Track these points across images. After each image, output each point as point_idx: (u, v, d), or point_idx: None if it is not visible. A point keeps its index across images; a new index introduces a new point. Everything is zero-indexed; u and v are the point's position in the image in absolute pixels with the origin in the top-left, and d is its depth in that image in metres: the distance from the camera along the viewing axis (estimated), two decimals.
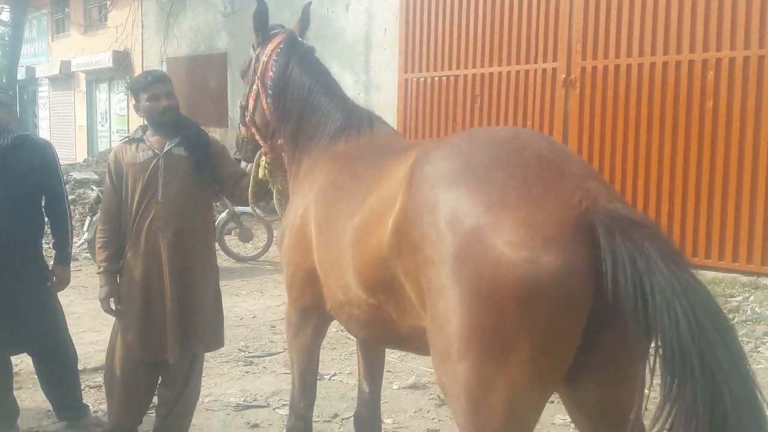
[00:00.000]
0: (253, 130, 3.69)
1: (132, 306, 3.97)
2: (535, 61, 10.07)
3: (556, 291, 1.88)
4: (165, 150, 3.96)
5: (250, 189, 3.86)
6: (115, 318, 4.10)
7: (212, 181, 4.08)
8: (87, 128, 22.75)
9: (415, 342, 2.46)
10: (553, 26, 9.83)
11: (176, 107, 4.02)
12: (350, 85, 12.99)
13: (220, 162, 4.07)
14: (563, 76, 9.70)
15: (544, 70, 9.95)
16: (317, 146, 3.29)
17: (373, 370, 3.58)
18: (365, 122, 3.26)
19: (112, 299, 4.05)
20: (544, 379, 2.01)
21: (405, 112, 11.80)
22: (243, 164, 4.30)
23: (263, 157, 3.71)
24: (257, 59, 3.61)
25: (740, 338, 5.98)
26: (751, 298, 7.30)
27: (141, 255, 3.93)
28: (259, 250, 10.26)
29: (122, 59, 19.83)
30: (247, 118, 3.70)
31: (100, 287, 4.07)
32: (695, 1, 8.45)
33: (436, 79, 11.34)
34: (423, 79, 11.53)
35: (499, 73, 10.49)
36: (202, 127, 4.19)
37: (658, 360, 1.87)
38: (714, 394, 1.75)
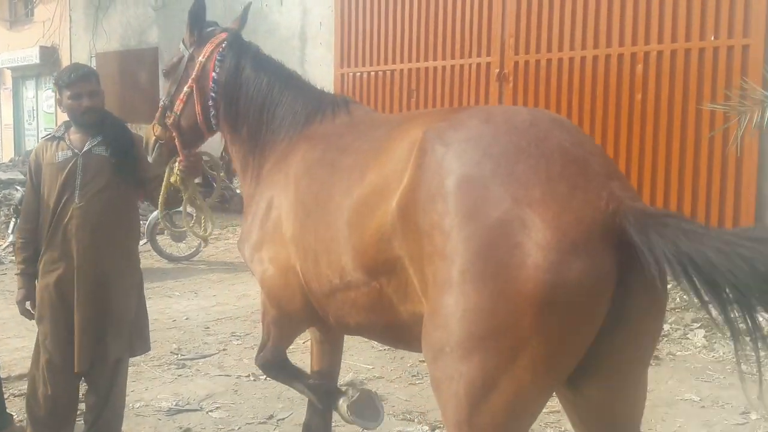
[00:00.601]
0: (174, 134, 3.46)
1: (47, 311, 3.83)
2: (470, 56, 10.13)
3: (580, 297, 1.85)
4: (84, 149, 3.81)
5: (161, 196, 3.71)
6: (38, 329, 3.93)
7: (135, 182, 3.89)
8: (13, 127, 21.97)
9: (410, 331, 2.34)
10: (487, 21, 9.91)
11: (100, 106, 3.85)
12: None
13: (144, 163, 3.83)
14: (497, 70, 9.79)
15: (479, 65, 10.02)
16: (287, 136, 3.12)
17: (329, 374, 3.45)
18: (340, 104, 3.13)
19: (28, 302, 3.93)
20: (549, 381, 1.98)
21: None
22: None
23: (177, 164, 3.55)
24: (191, 59, 3.40)
25: (669, 325, 6.14)
26: (680, 286, 7.47)
27: (56, 258, 3.79)
28: (192, 250, 10.04)
29: (50, 55, 19.22)
30: (170, 120, 3.46)
31: (18, 290, 3.96)
32: None
33: (372, 73, 11.30)
34: (359, 73, 11.48)
35: (435, 68, 10.52)
36: (131, 124, 4.04)
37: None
38: None
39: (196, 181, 3.72)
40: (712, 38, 8.08)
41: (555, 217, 1.85)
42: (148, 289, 8.11)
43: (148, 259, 9.99)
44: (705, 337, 6.07)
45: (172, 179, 3.60)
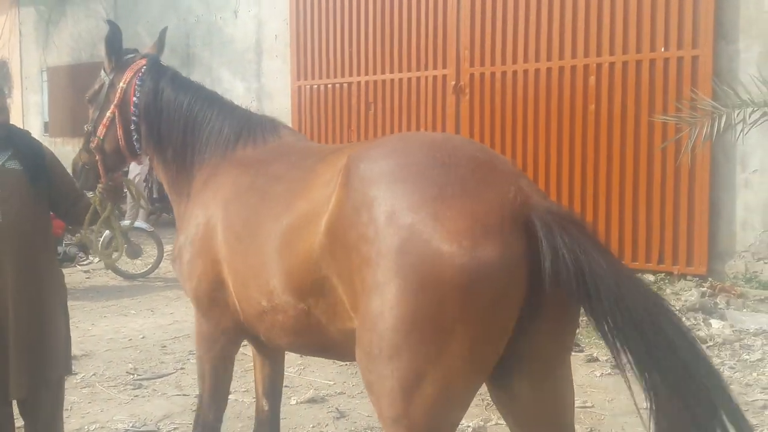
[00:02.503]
0: (98, 158, 3.57)
1: None
2: (426, 68, 10.19)
3: (495, 279, 1.93)
4: None
5: (87, 215, 3.71)
6: None
7: (49, 196, 3.69)
8: None
9: (342, 347, 2.44)
10: (442, 34, 9.98)
11: (5, 122, 3.64)
12: (242, 93, 12.76)
13: (56, 177, 3.72)
14: (453, 82, 9.85)
15: (435, 77, 10.08)
16: (214, 155, 3.19)
17: (272, 384, 3.47)
18: (268, 127, 3.22)
19: None
20: (477, 368, 2.06)
21: (299, 119, 11.69)
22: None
23: (99, 186, 3.65)
24: (111, 85, 3.51)
25: None
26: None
27: None
28: (148, 267, 9.84)
29: None
30: (94, 144, 3.57)
31: None
32: (575, 9, 8.78)
33: (329, 86, 11.29)
34: (316, 86, 11.46)
35: (392, 80, 10.56)
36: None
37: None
38: (660, 358, 1.96)
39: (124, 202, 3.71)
40: (662, 49, 8.25)
41: (466, 208, 1.97)
42: (104, 307, 8.04)
43: (103, 276, 9.80)
44: None
45: (94, 201, 3.67)
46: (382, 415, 2.14)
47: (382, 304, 2.02)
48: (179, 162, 3.33)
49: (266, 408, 3.45)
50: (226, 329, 3.05)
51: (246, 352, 4.90)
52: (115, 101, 3.45)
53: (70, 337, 3.84)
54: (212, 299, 3.00)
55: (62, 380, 3.79)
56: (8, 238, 3.50)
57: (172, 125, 3.33)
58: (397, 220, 2.02)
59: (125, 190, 3.87)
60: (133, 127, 3.42)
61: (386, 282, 2.00)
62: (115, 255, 3.98)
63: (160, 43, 3.78)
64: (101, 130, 3.52)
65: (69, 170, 3.85)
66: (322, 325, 2.49)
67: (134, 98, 3.40)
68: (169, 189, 3.46)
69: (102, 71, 3.61)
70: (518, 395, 2.23)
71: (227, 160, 3.12)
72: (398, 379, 2.02)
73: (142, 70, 3.45)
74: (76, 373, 5.42)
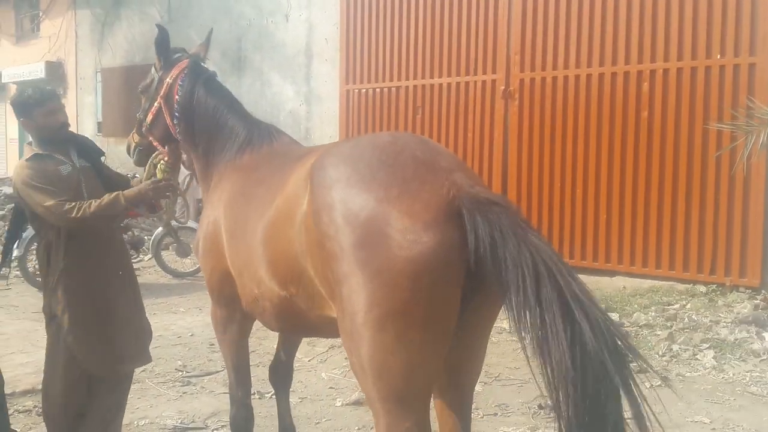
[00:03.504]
0: (150, 138, 4.00)
1: (81, 310, 3.87)
2: (475, 73, 10.15)
3: (436, 263, 2.26)
4: (79, 164, 3.99)
5: (145, 174, 4.08)
6: (53, 332, 3.96)
7: (110, 188, 4.02)
8: (18, 141, 22.02)
9: (324, 330, 2.79)
10: (492, 39, 9.93)
11: (65, 122, 4.01)
12: (291, 96, 12.88)
13: (111, 171, 4.32)
14: (502, 87, 9.80)
15: (484, 82, 10.03)
16: (224, 160, 3.64)
17: (289, 345, 4.04)
18: (265, 135, 3.62)
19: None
20: (435, 339, 2.35)
21: (347, 123, 11.74)
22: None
23: (162, 160, 3.99)
24: (160, 80, 3.92)
25: (678, 345, 6.09)
26: (688, 306, 7.44)
27: (83, 264, 3.87)
28: (197, 266, 9.99)
29: (55, 70, 19.25)
30: (144, 129, 4.02)
31: (135, 193, 3.87)
32: (629, 14, 8.64)
33: (378, 90, 11.32)
34: (364, 90, 11.50)
35: (440, 85, 10.54)
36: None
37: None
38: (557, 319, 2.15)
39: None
40: (718, 56, 8.09)
41: (409, 207, 2.31)
42: (153, 305, 8.17)
43: (152, 274, 9.99)
44: (714, 357, 6.01)
45: (158, 175, 3.99)
46: (364, 388, 2.44)
47: (349, 293, 2.34)
48: (204, 159, 3.79)
49: (283, 357, 4.05)
50: (235, 315, 3.46)
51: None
52: (161, 93, 3.88)
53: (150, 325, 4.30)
54: (221, 289, 3.43)
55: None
56: (100, 231, 3.93)
57: (202, 126, 3.76)
58: (352, 220, 2.35)
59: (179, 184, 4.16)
60: (175, 121, 3.84)
61: (349, 273, 2.33)
62: (176, 212, 4.43)
63: (207, 43, 4.15)
64: (149, 118, 3.96)
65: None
66: (304, 311, 2.83)
67: (177, 96, 3.81)
68: (200, 181, 3.91)
69: (153, 68, 4.02)
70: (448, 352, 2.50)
71: (230, 167, 3.57)
72: (368, 354, 2.33)
73: (185, 71, 3.85)
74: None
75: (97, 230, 3.92)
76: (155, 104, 3.91)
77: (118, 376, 4.02)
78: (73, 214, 3.70)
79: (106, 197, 3.80)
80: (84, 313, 3.88)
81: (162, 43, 3.92)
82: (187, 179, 4.87)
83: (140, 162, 4.14)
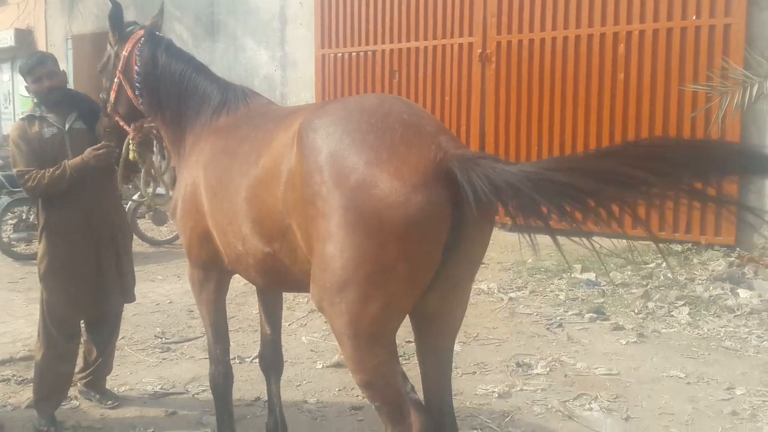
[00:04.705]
0: (117, 119, 3.98)
1: (64, 265, 4.27)
2: (452, 36, 10.08)
3: (424, 224, 2.39)
4: (68, 126, 4.30)
5: (119, 171, 4.19)
6: (44, 289, 4.35)
7: None
8: None
9: (307, 285, 2.80)
10: (468, 1, 9.86)
11: (61, 85, 4.33)
12: (266, 61, 12.72)
13: None
14: (479, 50, 9.75)
15: (461, 45, 9.97)
16: (199, 123, 3.60)
17: (272, 313, 3.96)
18: (240, 96, 3.60)
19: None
20: (414, 290, 2.52)
21: (323, 88, 11.64)
22: None
23: (131, 141, 4.02)
24: (116, 55, 3.89)
25: (654, 303, 6.17)
26: (664, 264, 7.53)
27: (65, 224, 4.25)
28: (174, 234, 9.92)
29: (25, 38, 18.85)
30: (109, 109, 3.99)
31: (79, 162, 4.15)
32: None
33: (353, 54, 11.21)
34: (340, 54, 11.39)
35: (417, 48, 10.46)
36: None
37: None
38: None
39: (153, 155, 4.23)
40: (694, 17, 8.09)
41: (397, 170, 2.41)
42: None
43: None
44: (689, 314, 6.11)
45: (131, 156, 4.05)
46: (334, 330, 2.61)
47: (335, 249, 2.46)
48: (175, 125, 3.74)
49: (269, 332, 3.96)
50: (212, 275, 3.53)
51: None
52: (120, 68, 3.84)
53: (134, 269, 4.67)
54: (200, 249, 3.46)
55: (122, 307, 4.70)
56: (82, 187, 4.19)
57: (168, 92, 3.72)
58: (344, 182, 2.45)
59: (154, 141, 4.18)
60: (137, 92, 3.80)
61: (337, 231, 2.44)
62: (163, 199, 4.87)
63: (160, 15, 4.11)
64: (112, 95, 3.94)
65: None
66: (287, 266, 2.92)
67: (136, 66, 3.76)
68: (171, 148, 3.87)
69: (108, 45, 3.98)
70: (426, 304, 2.65)
71: (207, 128, 3.55)
72: (347, 303, 2.48)
73: (141, 40, 3.79)
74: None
75: (79, 187, 4.18)
76: (115, 80, 3.89)
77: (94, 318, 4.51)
78: (29, 184, 4.15)
79: (55, 168, 4.13)
80: (56, 262, 4.27)
81: (115, 17, 3.88)
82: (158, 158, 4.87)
83: (111, 145, 4.14)
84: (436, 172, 2.40)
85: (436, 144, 2.48)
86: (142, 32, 3.84)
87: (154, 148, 4.22)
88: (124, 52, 3.81)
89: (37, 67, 4.25)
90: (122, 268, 4.48)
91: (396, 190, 2.37)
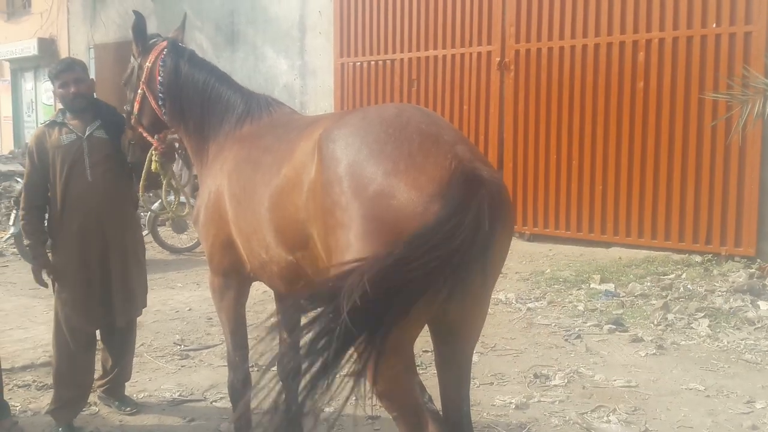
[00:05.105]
0: (140, 130, 4.01)
1: (72, 278, 4.29)
2: (470, 45, 10.09)
3: (441, 230, 2.35)
4: (87, 133, 4.30)
5: (141, 182, 4.24)
6: (56, 298, 4.37)
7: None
8: (12, 119, 21.89)
9: None
10: (487, 10, 9.87)
11: (87, 93, 4.34)
12: (285, 70, 12.80)
13: None
14: (498, 59, 9.75)
15: (479, 54, 9.98)
16: (223, 131, 3.63)
17: (290, 318, 3.83)
18: (263, 105, 3.63)
19: (44, 270, 4.34)
20: (430, 301, 2.47)
21: (342, 96, 11.69)
22: None
23: (155, 152, 4.06)
24: (140, 67, 3.93)
25: (674, 315, 6.11)
26: (683, 276, 7.47)
27: (77, 232, 4.24)
28: (194, 241, 9.98)
29: (48, 47, 19.12)
30: (133, 121, 4.02)
31: (33, 260, 4.35)
32: None
33: (372, 63, 11.26)
34: (359, 63, 11.44)
35: (435, 57, 10.49)
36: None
37: None
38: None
39: (175, 166, 4.32)
40: (714, 25, 8.05)
41: (415, 180, 2.44)
42: (151, 280, 8.10)
43: (149, 250, 9.92)
44: (709, 326, 6.04)
45: (153, 167, 4.10)
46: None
47: (352, 259, 2.45)
48: (198, 134, 3.77)
49: (287, 337, 3.88)
50: (232, 282, 3.56)
51: None
52: (143, 79, 3.87)
53: (146, 279, 4.69)
54: (222, 256, 3.49)
55: (134, 318, 4.67)
56: (97, 195, 4.26)
57: (192, 101, 3.75)
58: (362, 192, 2.47)
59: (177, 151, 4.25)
60: (161, 102, 3.83)
61: (356, 242, 2.46)
62: (184, 210, 4.91)
63: (182, 27, 4.17)
64: (136, 107, 3.96)
65: None
66: (309, 275, 2.96)
67: (159, 77, 3.80)
68: (194, 157, 3.88)
69: (131, 57, 4.02)
70: (446, 314, 2.64)
71: (231, 137, 3.58)
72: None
73: (164, 51, 3.83)
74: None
75: (89, 194, 4.24)
76: (139, 92, 3.92)
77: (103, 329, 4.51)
78: (21, 213, 4.34)
79: (37, 228, 4.29)
80: (62, 269, 4.31)
81: (138, 29, 3.93)
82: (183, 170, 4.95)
83: (135, 157, 4.17)
84: (451, 181, 2.42)
85: (453, 153, 2.50)
86: (165, 43, 3.88)
87: (177, 159, 4.29)
88: (147, 63, 3.85)
89: (65, 72, 4.27)
90: (131, 278, 4.45)
91: (414, 200, 2.40)
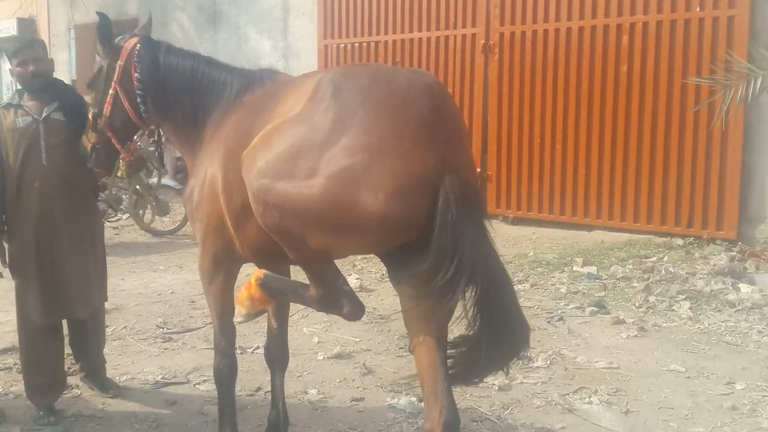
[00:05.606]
0: (109, 134, 3.77)
1: (30, 265, 4.14)
2: (455, 27, 10.05)
3: (399, 225, 2.44)
4: (44, 115, 4.14)
5: (111, 182, 4.22)
6: (15, 284, 4.27)
7: None
8: None
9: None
10: None
11: (45, 72, 4.18)
12: (268, 51, 12.69)
13: None
14: (482, 42, 9.72)
15: (464, 36, 9.95)
16: (219, 108, 3.45)
17: (280, 309, 3.87)
18: (266, 77, 3.43)
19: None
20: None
21: None
22: None
23: (122, 161, 3.96)
24: (110, 67, 3.69)
25: (655, 297, 6.16)
26: (665, 258, 7.53)
27: (31, 216, 4.09)
28: (177, 224, 9.91)
29: (27, 27, 18.77)
30: (102, 124, 3.76)
31: None
32: None
33: (356, 45, 11.19)
34: (343, 45, 11.36)
35: (420, 39, 10.44)
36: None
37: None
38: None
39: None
40: (697, 9, 8.06)
41: (393, 166, 2.37)
42: (133, 263, 8.15)
43: (132, 233, 9.91)
44: (690, 308, 6.11)
45: (119, 174, 3.89)
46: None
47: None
48: (191, 124, 3.57)
49: (275, 325, 3.91)
50: (222, 266, 3.46)
51: None
52: (116, 78, 3.64)
53: (106, 268, 4.53)
54: (215, 237, 3.38)
55: (99, 308, 4.52)
56: (53, 180, 4.09)
57: (179, 91, 3.55)
58: (339, 160, 2.41)
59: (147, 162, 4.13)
60: (139, 100, 3.62)
61: (309, 202, 2.46)
62: (146, 215, 4.54)
63: (149, 25, 3.95)
64: (107, 108, 3.71)
65: None
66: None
67: (136, 74, 3.59)
68: (184, 151, 3.72)
69: (97, 57, 3.82)
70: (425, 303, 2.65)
71: (230, 111, 3.39)
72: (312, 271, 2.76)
73: (137, 47, 3.63)
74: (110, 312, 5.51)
75: (43, 181, 4.08)
76: (110, 92, 3.67)
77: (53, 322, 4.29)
78: None
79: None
80: (14, 258, 4.19)
81: (104, 29, 3.72)
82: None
83: (99, 164, 3.97)
84: (427, 181, 2.40)
85: (441, 153, 2.45)
86: (136, 39, 3.68)
87: (146, 168, 4.17)
88: (119, 62, 3.64)
89: (24, 50, 4.12)
90: (86, 268, 4.27)
91: (383, 186, 2.37)
